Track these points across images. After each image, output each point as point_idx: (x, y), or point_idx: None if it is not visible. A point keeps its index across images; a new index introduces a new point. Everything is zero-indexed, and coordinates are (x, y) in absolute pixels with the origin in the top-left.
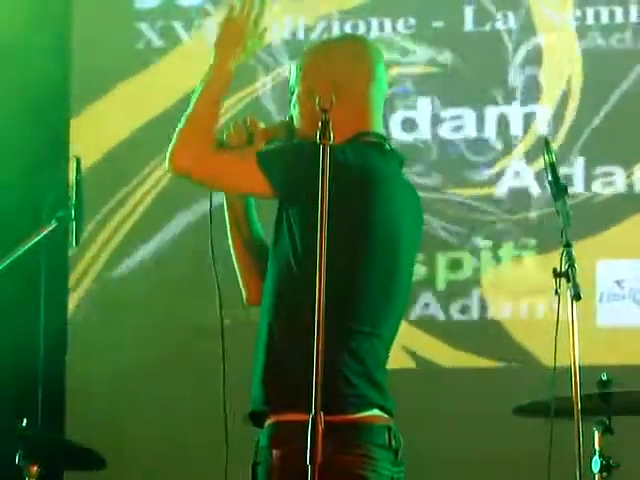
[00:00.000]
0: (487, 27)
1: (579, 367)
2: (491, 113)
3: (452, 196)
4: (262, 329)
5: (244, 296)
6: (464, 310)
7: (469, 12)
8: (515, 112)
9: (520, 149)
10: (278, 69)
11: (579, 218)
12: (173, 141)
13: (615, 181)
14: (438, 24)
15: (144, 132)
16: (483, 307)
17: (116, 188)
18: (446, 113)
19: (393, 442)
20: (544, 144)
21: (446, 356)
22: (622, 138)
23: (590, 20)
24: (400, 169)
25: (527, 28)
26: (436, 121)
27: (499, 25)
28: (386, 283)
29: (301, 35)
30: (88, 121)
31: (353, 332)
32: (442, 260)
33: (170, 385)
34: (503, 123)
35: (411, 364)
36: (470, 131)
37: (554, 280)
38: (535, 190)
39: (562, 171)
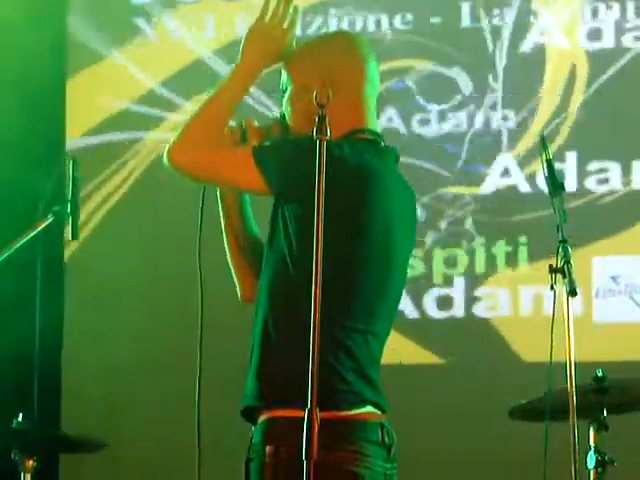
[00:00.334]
0: (483, 23)
1: (574, 363)
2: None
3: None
4: (257, 326)
5: (238, 293)
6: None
7: (466, 8)
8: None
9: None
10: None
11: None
12: (175, 136)
13: (610, 177)
14: (435, 20)
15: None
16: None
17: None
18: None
19: (386, 439)
20: (540, 141)
21: (422, 353)
22: (618, 133)
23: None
24: (395, 165)
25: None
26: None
27: (496, 21)
28: (381, 280)
29: (298, 31)
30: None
31: (347, 329)
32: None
33: (166, 379)
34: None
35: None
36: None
37: (550, 276)
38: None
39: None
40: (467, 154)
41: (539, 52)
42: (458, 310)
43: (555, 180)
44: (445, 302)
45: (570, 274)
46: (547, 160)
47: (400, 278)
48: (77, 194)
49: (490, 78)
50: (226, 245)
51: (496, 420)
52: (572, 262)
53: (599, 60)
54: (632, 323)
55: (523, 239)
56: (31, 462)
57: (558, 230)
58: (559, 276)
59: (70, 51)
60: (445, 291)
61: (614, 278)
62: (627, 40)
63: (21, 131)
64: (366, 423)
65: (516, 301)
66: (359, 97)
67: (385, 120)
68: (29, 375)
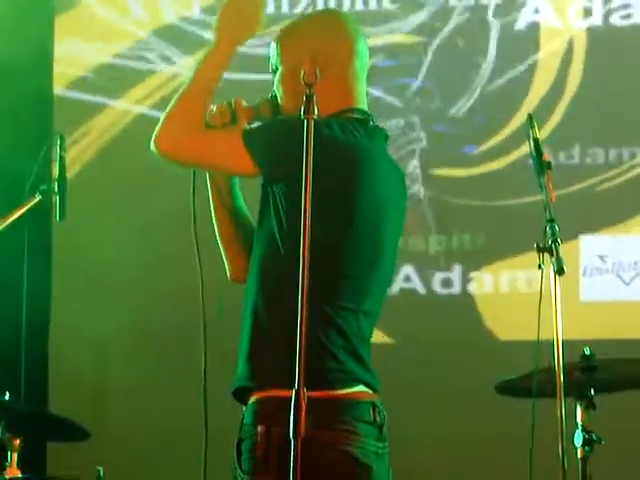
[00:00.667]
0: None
1: (562, 342)
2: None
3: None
4: (247, 306)
5: (228, 273)
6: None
7: None
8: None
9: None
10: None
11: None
12: (160, 122)
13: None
14: None
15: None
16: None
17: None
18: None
19: (377, 418)
20: (527, 119)
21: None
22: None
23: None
24: (385, 145)
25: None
26: None
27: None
28: (371, 259)
29: (286, 9)
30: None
31: (338, 308)
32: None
33: (155, 360)
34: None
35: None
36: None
37: (538, 255)
38: None
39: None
40: (457, 135)
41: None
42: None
43: (542, 159)
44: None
45: (558, 253)
46: (534, 139)
47: (391, 257)
48: (64, 171)
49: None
50: (216, 226)
51: (481, 398)
52: (559, 241)
53: (597, 38)
54: (619, 301)
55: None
56: (18, 442)
57: (545, 209)
58: (547, 255)
59: None
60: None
61: (602, 257)
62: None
63: (6, 111)
64: (358, 402)
65: (495, 280)
66: (348, 76)
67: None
68: (16, 358)
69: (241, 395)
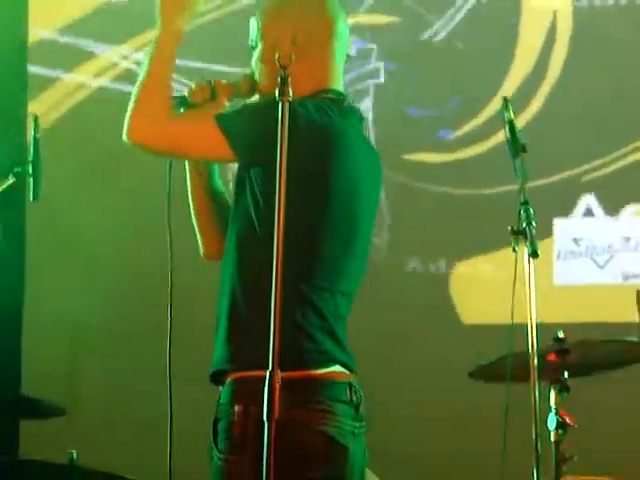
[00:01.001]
0: None
1: (536, 325)
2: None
3: None
4: (224, 290)
5: (201, 251)
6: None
7: None
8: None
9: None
10: None
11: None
12: (128, 113)
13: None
14: None
15: None
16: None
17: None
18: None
19: (354, 398)
20: (503, 102)
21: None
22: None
23: None
24: (359, 125)
25: None
26: None
27: None
28: (347, 238)
29: None
30: None
31: (315, 287)
32: None
33: (130, 345)
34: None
35: None
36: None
37: (511, 238)
38: None
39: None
40: (435, 118)
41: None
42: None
43: (517, 141)
44: None
45: (532, 236)
46: (509, 121)
47: (366, 236)
48: (38, 153)
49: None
50: (191, 203)
51: (451, 382)
52: (534, 224)
53: (584, 16)
54: (593, 285)
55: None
56: None
57: (520, 192)
58: (520, 238)
59: None
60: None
61: (575, 240)
62: None
63: None
64: (334, 382)
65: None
66: (327, 56)
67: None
68: None
69: (218, 378)
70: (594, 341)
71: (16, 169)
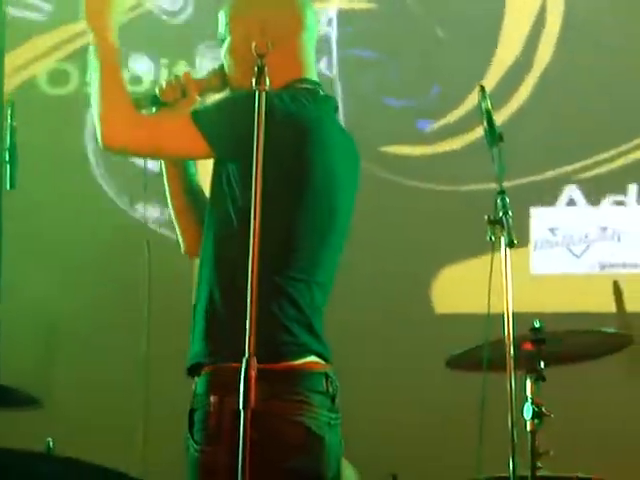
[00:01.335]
0: None
1: (512, 314)
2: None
3: None
4: (202, 284)
5: (182, 247)
6: None
7: None
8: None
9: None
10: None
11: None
12: (96, 125)
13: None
14: None
15: None
16: None
17: None
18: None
19: (330, 388)
20: (479, 90)
21: None
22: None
23: None
24: (335, 114)
25: None
26: None
27: None
28: (324, 229)
29: None
30: None
31: (291, 279)
32: None
33: (105, 334)
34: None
35: None
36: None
37: (488, 227)
38: None
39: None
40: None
41: None
42: None
43: (494, 130)
44: None
45: (508, 225)
46: (486, 110)
47: (343, 227)
48: (14, 140)
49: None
50: (169, 199)
51: (427, 371)
52: (510, 213)
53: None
54: (569, 275)
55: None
56: None
57: (496, 181)
58: (497, 227)
59: None
60: None
61: (552, 230)
62: None
63: None
64: (311, 373)
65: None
66: (298, 47)
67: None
68: None
69: (195, 371)
70: (570, 331)
71: None
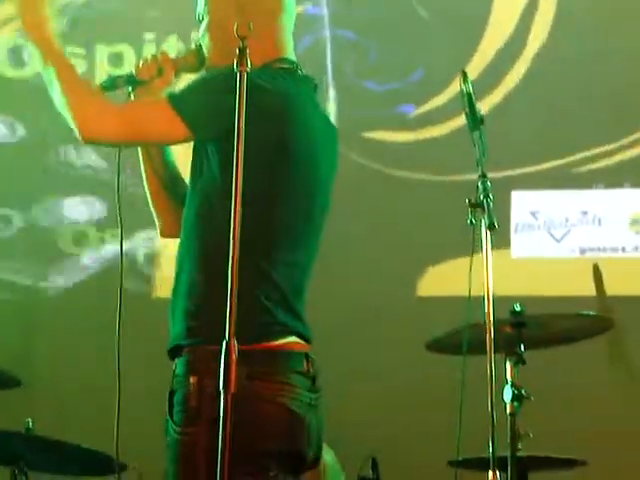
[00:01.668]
0: None
1: (492, 298)
2: None
3: None
4: (182, 264)
5: (158, 229)
6: None
7: None
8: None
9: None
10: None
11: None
12: (73, 124)
13: None
14: None
15: None
16: None
17: None
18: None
19: (311, 369)
20: (461, 75)
21: None
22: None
23: None
24: (313, 93)
25: None
26: None
27: None
28: (305, 209)
29: None
30: None
31: (273, 261)
32: None
33: (84, 311)
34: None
35: None
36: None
37: (469, 210)
38: None
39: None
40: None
41: None
42: None
43: (475, 114)
44: None
45: (489, 208)
46: (467, 94)
47: (324, 207)
48: None
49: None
50: (145, 181)
51: (407, 353)
52: (491, 196)
53: None
54: (550, 258)
55: None
56: None
57: (477, 164)
58: (478, 210)
59: None
60: None
61: (533, 213)
62: None
63: None
64: (291, 353)
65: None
66: (276, 27)
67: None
68: None
69: (175, 353)
70: (550, 314)
71: None
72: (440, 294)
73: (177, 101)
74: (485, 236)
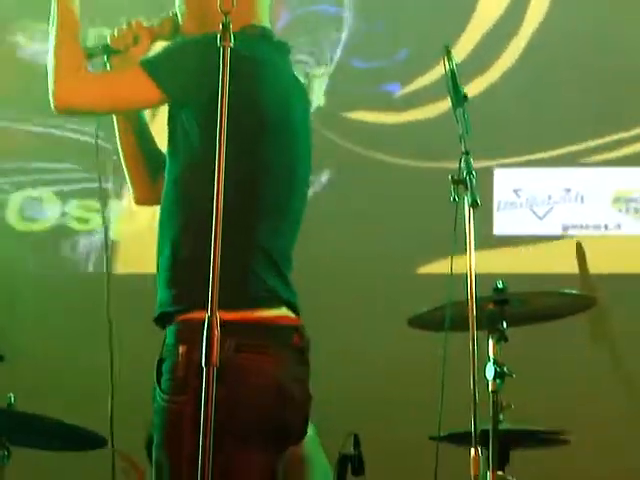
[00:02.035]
0: None
1: (475, 275)
2: None
3: None
4: (164, 233)
5: (132, 196)
6: None
7: None
8: None
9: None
10: None
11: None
12: (51, 82)
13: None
14: None
15: None
16: None
17: None
18: None
19: (300, 342)
20: (445, 52)
21: None
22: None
23: None
24: (288, 58)
25: None
26: None
27: None
28: (288, 173)
29: None
30: None
31: (259, 227)
32: None
33: (70, 289)
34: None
35: None
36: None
37: (451, 187)
38: None
39: None
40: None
41: None
42: None
43: (458, 91)
44: None
45: (472, 186)
46: (450, 70)
47: (306, 170)
48: None
49: None
50: (119, 148)
51: (391, 330)
52: (474, 173)
53: None
54: (532, 236)
55: None
56: None
57: (460, 141)
58: (461, 187)
59: None
60: None
61: (516, 191)
62: None
63: None
64: (281, 326)
65: None
66: None
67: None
68: None
69: (164, 320)
70: (533, 292)
71: None
72: (423, 272)
73: (149, 65)
74: (468, 213)
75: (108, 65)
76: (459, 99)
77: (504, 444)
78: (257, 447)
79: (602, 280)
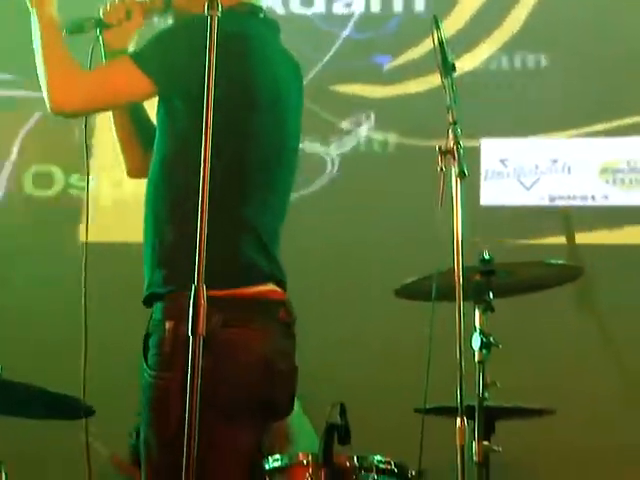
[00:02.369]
0: None
1: (462, 245)
2: None
3: None
4: (149, 210)
5: (125, 169)
6: None
7: None
8: None
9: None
10: None
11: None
12: (45, 91)
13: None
14: None
15: None
16: None
17: None
18: None
19: (287, 317)
20: (433, 22)
21: None
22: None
23: None
24: (277, 36)
25: None
26: None
27: None
28: (277, 149)
29: None
30: None
31: (247, 203)
32: None
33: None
34: None
35: None
36: None
37: (439, 157)
38: None
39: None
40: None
41: None
42: None
43: (446, 61)
44: None
45: (460, 156)
46: (439, 40)
47: (295, 143)
48: None
49: None
50: (112, 119)
51: (377, 301)
52: (461, 144)
53: None
54: (519, 206)
55: None
56: None
57: (448, 111)
58: (448, 157)
59: None
60: None
61: (503, 161)
62: None
63: None
64: (267, 301)
65: None
66: None
67: None
68: None
69: (152, 301)
70: (519, 262)
71: None
72: (409, 242)
73: (139, 58)
74: (455, 184)
75: (100, 39)
76: (447, 68)
77: (490, 416)
78: (243, 422)
79: (588, 250)
